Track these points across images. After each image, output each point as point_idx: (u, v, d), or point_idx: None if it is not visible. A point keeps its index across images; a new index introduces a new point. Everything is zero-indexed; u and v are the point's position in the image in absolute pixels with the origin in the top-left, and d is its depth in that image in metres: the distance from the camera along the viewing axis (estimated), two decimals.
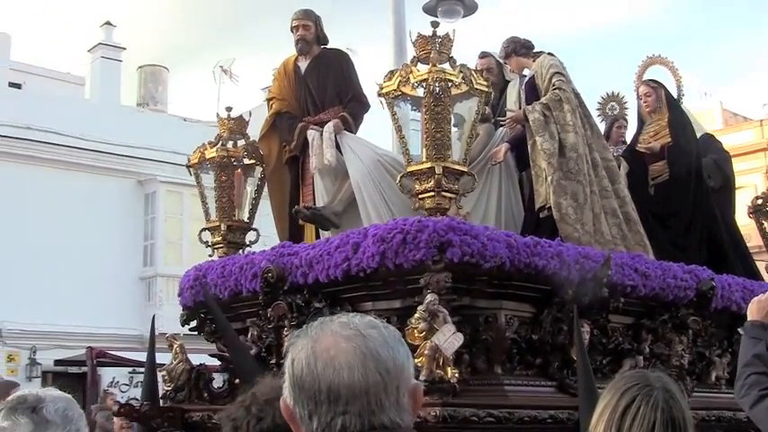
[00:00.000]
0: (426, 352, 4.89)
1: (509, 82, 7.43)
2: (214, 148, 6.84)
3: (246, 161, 7.03)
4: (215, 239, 6.88)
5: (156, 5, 53.43)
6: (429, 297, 5.01)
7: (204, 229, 6.99)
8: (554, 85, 6.48)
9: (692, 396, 6.58)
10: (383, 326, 1.73)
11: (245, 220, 6.96)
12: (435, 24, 5.63)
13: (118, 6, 48.54)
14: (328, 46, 7.12)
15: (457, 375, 4.97)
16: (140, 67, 24.61)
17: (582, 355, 4.89)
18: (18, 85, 21.59)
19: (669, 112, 7.78)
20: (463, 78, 5.52)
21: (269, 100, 7.17)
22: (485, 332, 5.53)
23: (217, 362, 6.87)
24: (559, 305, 5.75)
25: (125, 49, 22.27)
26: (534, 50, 6.94)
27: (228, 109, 7.12)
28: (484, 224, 6.65)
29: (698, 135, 8.41)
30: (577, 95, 6.66)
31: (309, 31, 6.95)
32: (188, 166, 7.03)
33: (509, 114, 6.74)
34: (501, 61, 7.32)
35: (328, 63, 6.94)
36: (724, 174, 8.16)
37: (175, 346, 6.78)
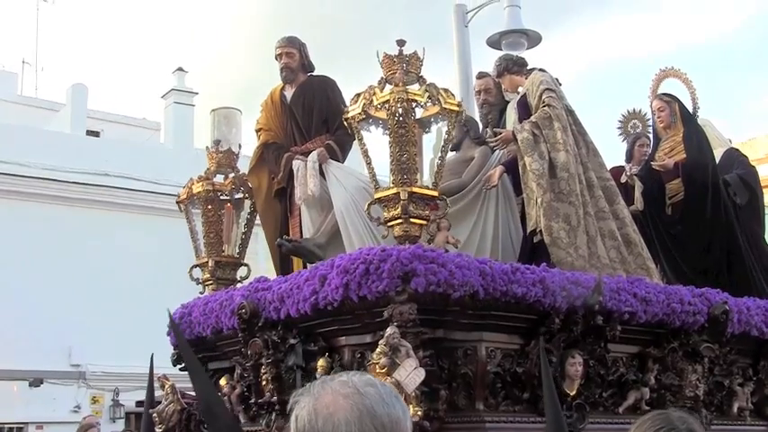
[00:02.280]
0: None
1: (509, 102, 7.09)
2: (200, 183, 6.67)
3: (238, 195, 6.85)
4: (204, 276, 6.70)
5: (228, 50, 54.37)
6: (389, 330, 4.72)
7: (194, 266, 6.82)
8: (544, 102, 6.14)
9: (711, 429, 6.13)
10: (380, 384, 1.85)
11: (235, 255, 6.76)
12: (401, 43, 5.36)
13: (190, 52, 49.54)
14: (315, 73, 6.90)
15: (420, 413, 4.66)
16: (213, 111, 24.82)
17: (548, 388, 4.48)
18: (96, 133, 22.10)
19: (684, 126, 7.36)
20: (429, 98, 5.24)
21: (257, 131, 6.99)
22: (464, 366, 5.20)
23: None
24: (547, 335, 5.39)
25: (197, 93, 22.56)
26: (527, 68, 6.61)
27: (216, 142, 6.97)
28: (480, 251, 6.37)
29: (723, 150, 7.98)
30: (571, 112, 6.30)
31: (293, 58, 6.75)
32: (178, 202, 6.89)
33: (497, 135, 6.38)
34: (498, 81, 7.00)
35: (314, 90, 6.72)
36: (750, 189, 7.65)
37: (166, 386, 6.60)
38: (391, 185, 5.24)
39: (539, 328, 5.39)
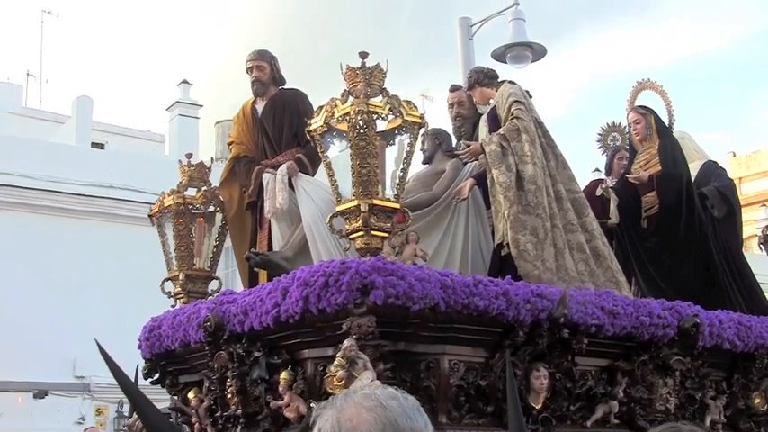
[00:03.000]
0: None
1: (482, 115, 7.07)
2: (172, 196, 6.67)
3: (209, 208, 6.84)
4: (176, 290, 6.68)
5: (232, 61, 54.55)
6: (346, 343, 4.70)
7: (166, 280, 6.81)
8: (512, 115, 6.12)
9: None
10: (403, 397, 1.86)
11: (206, 268, 6.75)
12: (364, 55, 5.35)
13: (193, 60, 49.75)
14: (286, 86, 6.90)
15: None
16: (217, 123, 24.97)
17: (513, 400, 4.44)
18: (101, 145, 22.13)
19: (659, 139, 7.33)
20: (391, 110, 5.23)
21: (229, 144, 6.99)
22: (426, 379, 5.18)
23: None
24: (512, 348, 5.36)
25: (202, 106, 22.68)
26: (498, 80, 6.60)
27: (189, 156, 6.97)
28: (449, 264, 6.34)
29: (701, 162, 7.95)
30: (540, 125, 6.28)
31: (264, 72, 6.75)
32: (150, 216, 6.88)
33: (466, 147, 6.36)
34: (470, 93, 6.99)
35: (285, 103, 6.71)
36: (728, 202, 7.62)
37: None
38: (352, 198, 5.22)
39: (503, 341, 5.37)
